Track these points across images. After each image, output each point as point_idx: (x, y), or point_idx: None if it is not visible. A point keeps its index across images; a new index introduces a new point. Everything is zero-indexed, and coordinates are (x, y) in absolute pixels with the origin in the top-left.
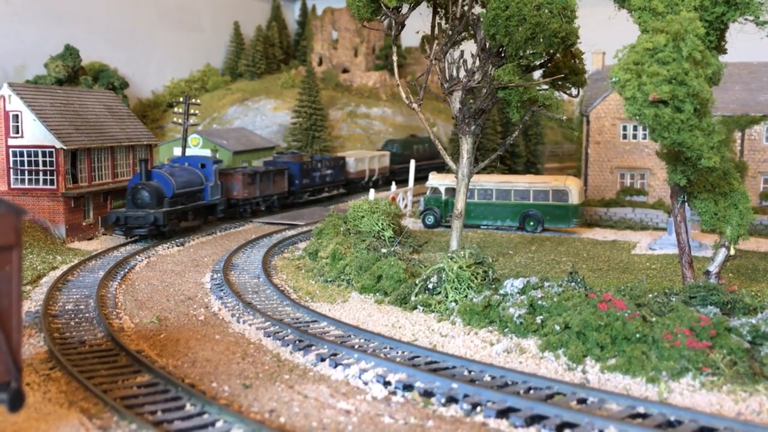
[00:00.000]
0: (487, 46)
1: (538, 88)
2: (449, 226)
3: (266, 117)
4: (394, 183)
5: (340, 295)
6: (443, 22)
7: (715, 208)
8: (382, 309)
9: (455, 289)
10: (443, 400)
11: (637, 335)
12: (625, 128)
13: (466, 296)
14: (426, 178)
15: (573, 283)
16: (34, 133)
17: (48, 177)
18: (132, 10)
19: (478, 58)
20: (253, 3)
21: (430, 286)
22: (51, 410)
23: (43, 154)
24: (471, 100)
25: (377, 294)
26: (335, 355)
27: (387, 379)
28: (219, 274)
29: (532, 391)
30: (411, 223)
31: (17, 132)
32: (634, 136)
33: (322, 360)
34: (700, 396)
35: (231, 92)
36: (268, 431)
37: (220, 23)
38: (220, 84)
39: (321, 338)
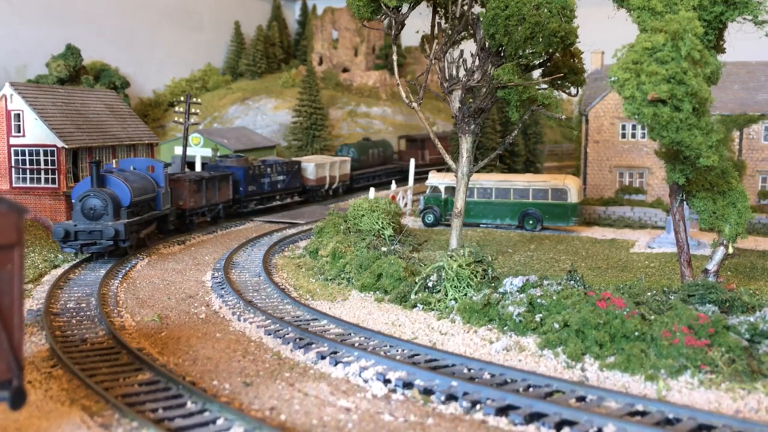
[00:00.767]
0: (487, 46)
1: (537, 87)
2: (449, 225)
3: (267, 116)
4: (394, 182)
5: (341, 293)
6: (443, 21)
7: (713, 207)
8: (382, 307)
9: (455, 287)
10: (443, 398)
11: (636, 333)
12: (624, 127)
13: (465, 294)
14: (381, 186)
15: (572, 282)
16: (36, 132)
17: (49, 176)
18: (133, 9)
19: (477, 57)
20: (254, 3)
21: (430, 284)
22: (52, 408)
23: (45, 153)
24: (470, 100)
25: (377, 292)
26: (335, 353)
27: (387, 377)
28: (220, 273)
29: (531, 389)
30: (411, 222)
31: (19, 131)
32: (633, 135)
33: (323, 358)
34: (698, 394)
35: (232, 91)
36: (268, 429)
37: (220, 23)
38: (220, 83)
39: (321, 336)
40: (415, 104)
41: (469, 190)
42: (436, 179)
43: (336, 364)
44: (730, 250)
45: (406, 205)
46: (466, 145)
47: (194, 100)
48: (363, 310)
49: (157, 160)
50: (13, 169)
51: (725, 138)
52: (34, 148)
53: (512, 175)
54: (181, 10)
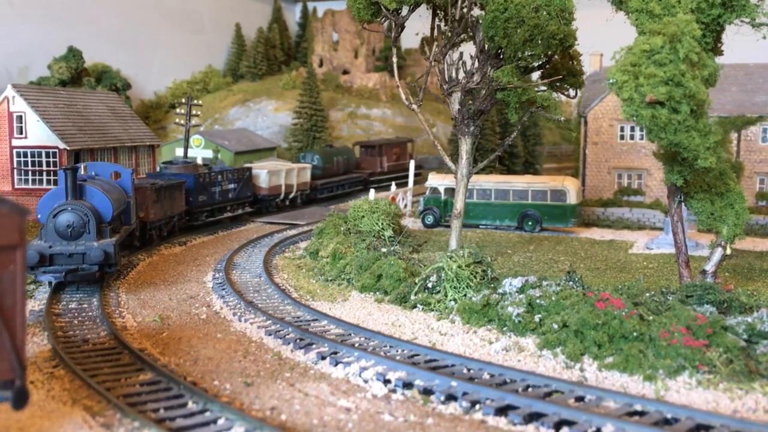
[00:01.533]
0: (486, 48)
1: (536, 89)
2: (448, 226)
3: (267, 118)
4: (394, 184)
5: (341, 294)
6: (442, 24)
7: (711, 208)
8: (382, 308)
9: (454, 288)
10: (442, 398)
11: (635, 334)
12: (622, 129)
13: (465, 295)
14: (341, 198)
15: (571, 282)
16: (38, 133)
17: (51, 177)
18: (134, 12)
19: (476, 59)
20: (255, 5)
21: (430, 285)
22: (54, 408)
23: (47, 155)
24: (470, 102)
25: (377, 293)
26: (336, 353)
27: (387, 377)
28: (221, 274)
29: (530, 389)
30: (410, 223)
31: (21, 133)
32: (632, 137)
33: (323, 358)
34: (696, 394)
35: (232, 93)
36: (269, 429)
37: (221, 25)
38: (221, 85)
39: (322, 337)
40: (415, 106)
41: (468, 191)
42: (436, 180)
43: (336, 365)
44: (728, 251)
45: (405, 206)
46: (465, 146)
47: (195, 101)
48: (363, 311)
49: (122, 166)
50: (15, 171)
51: (723, 140)
52: (36, 150)
53: (511, 177)
54: (182, 12)
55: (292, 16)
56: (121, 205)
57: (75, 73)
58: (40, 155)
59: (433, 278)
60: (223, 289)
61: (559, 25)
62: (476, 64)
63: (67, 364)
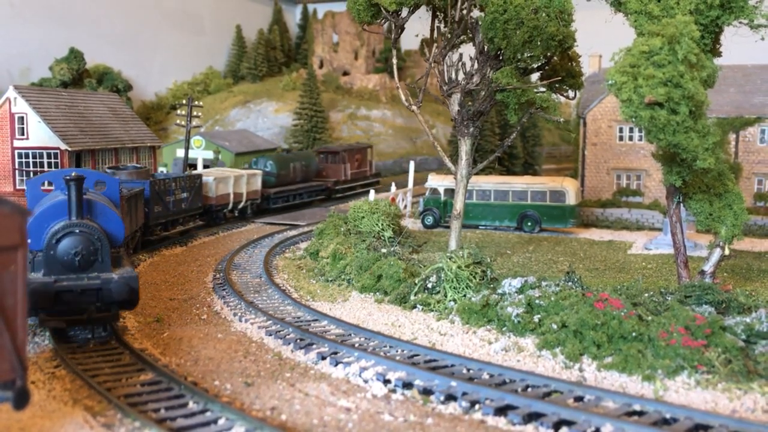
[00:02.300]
0: (486, 49)
1: (535, 90)
2: (448, 227)
3: (268, 119)
4: (393, 184)
5: (341, 294)
6: (442, 25)
7: (710, 209)
8: (382, 308)
9: (454, 288)
10: (442, 398)
11: (633, 334)
12: (621, 130)
13: (464, 295)
14: (299, 209)
15: (570, 283)
16: (39, 134)
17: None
18: (136, 13)
19: (476, 61)
20: (255, 6)
21: (430, 285)
22: (55, 408)
23: (48, 156)
24: (469, 103)
25: (377, 293)
26: (336, 353)
27: (387, 377)
28: (221, 274)
29: (529, 389)
30: (410, 224)
31: (22, 134)
32: (630, 138)
33: (323, 358)
34: (695, 394)
35: (233, 94)
36: (269, 429)
37: (222, 27)
38: (222, 86)
39: (322, 337)
40: (414, 107)
41: (468, 192)
42: (436, 181)
43: (336, 365)
44: (727, 252)
45: (405, 206)
46: (465, 147)
47: (196, 103)
48: (363, 311)
49: (107, 174)
50: (16, 171)
51: (721, 141)
52: (37, 151)
53: (511, 177)
54: (182, 13)
55: (293, 17)
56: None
57: (76, 75)
58: (41, 156)
59: (433, 279)
60: (224, 290)
61: (558, 26)
62: (476, 66)
63: (68, 364)
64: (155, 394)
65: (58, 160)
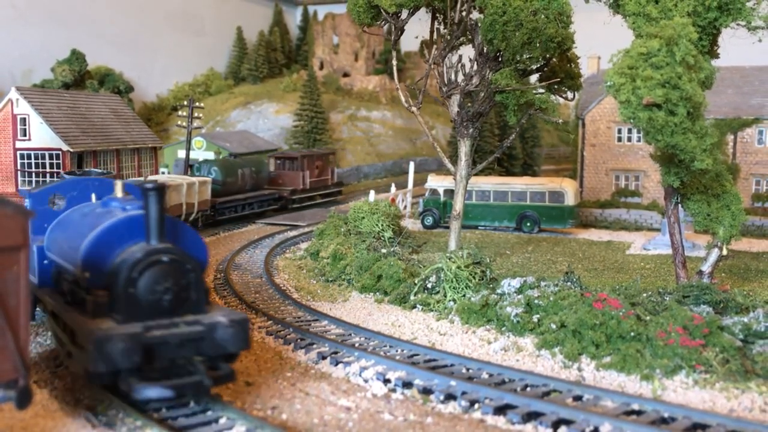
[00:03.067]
0: (485, 51)
1: (534, 91)
2: (448, 227)
3: (269, 120)
4: (393, 185)
5: (341, 294)
6: (442, 27)
7: (708, 209)
8: (382, 308)
9: (453, 288)
10: (442, 397)
11: (632, 334)
12: (619, 131)
13: (464, 295)
14: (250, 220)
15: (569, 283)
16: (42, 135)
17: (55, 179)
18: (137, 15)
19: (475, 62)
20: (256, 8)
21: (429, 285)
22: (57, 407)
23: (50, 157)
24: (469, 104)
25: (377, 293)
26: (336, 353)
27: (387, 377)
28: (222, 274)
29: (528, 389)
30: (410, 224)
31: (25, 135)
32: (629, 139)
33: (323, 358)
34: (693, 393)
35: (234, 96)
36: (270, 428)
37: (223, 28)
38: (223, 88)
39: (322, 337)
40: (414, 108)
41: (467, 192)
42: (435, 182)
43: (336, 364)
44: (724, 252)
45: (405, 207)
46: (464, 148)
47: (197, 104)
48: (363, 311)
49: (132, 181)
50: (19, 173)
51: (719, 142)
52: (39, 152)
53: (510, 178)
54: (184, 15)
55: (293, 19)
56: None
57: (78, 76)
58: (43, 157)
59: (433, 279)
60: (225, 290)
61: (557, 28)
62: (475, 67)
63: (66, 367)
64: None
65: (60, 161)
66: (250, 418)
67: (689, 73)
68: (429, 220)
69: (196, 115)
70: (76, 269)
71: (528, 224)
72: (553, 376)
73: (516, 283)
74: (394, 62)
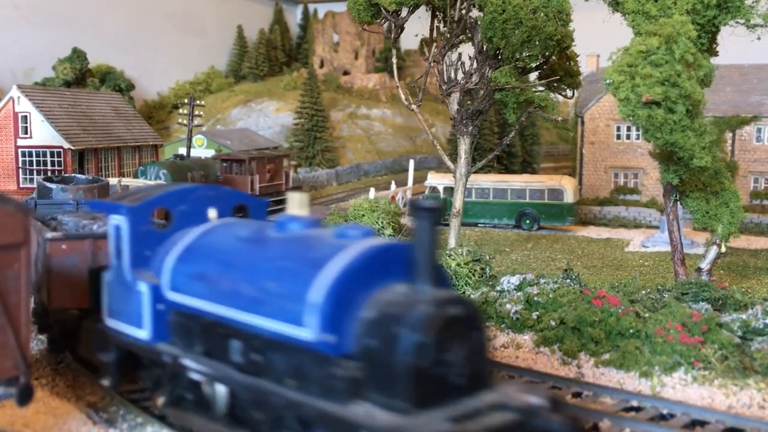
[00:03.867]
0: (485, 49)
1: (534, 89)
2: (447, 225)
3: (269, 118)
4: (393, 183)
5: None
6: (441, 25)
7: (706, 207)
8: None
9: (453, 285)
10: None
11: (631, 331)
12: (619, 129)
13: (463, 293)
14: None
15: (568, 280)
16: (43, 133)
17: (55, 177)
18: (138, 14)
19: (475, 60)
20: (256, 7)
21: None
22: (59, 404)
23: (51, 154)
24: (469, 102)
25: None
26: None
27: None
28: None
29: None
30: (410, 222)
31: (26, 133)
32: (628, 137)
33: None
34: (692, 390)
35: (234, 94)
36: None
37: (223, 27)
38: (223, 86)
39: None
40: (414, 106)
41: (467, 190)
42: (435, 180)
43: None
44: (723, 249)
45: (405, 205)
46: (464, 146)
47: (198, 102)
48: None
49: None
50: (20, 170)
51: (718, 139)
52: (40, 150)
53: (509, 176)
54: (184, 14)
55: (293, 17)
56: None
57: (79, 74)
58: (44, 155)
59: None
60: None
61: (556, 26)
62: (475, 65)
63: (71, 361)
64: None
65: (62, 159)
66: None
67: (688, 70)
68: None
69: (196, 113)
70: (291, 328)
71: (527, 222)
72: (553, 372)
73: (515, 280)
74: (394, 60)
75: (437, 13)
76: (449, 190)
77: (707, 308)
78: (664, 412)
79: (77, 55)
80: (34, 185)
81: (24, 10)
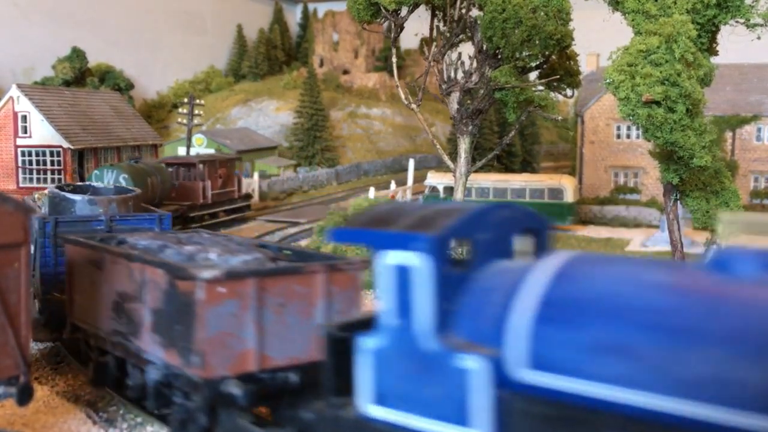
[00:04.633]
0: (484, 48)
1: (533, 89)
2: None
3: (269, 117)
4: (393, 183)
5: None
6: (441, 24)
7: (706, 206)
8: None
9: None
10: None
11: None
12: (619, 128)
13: None
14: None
15: None
16: (42, 133)
17: (56, 176)
18: (138, 13)
19: (475, 60)
20: (256, 6)
21: None
22: (58, 404)
23: (51, 154)
24: (468, 101)
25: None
26: None
27: None
28: None
29: None
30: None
31: (26, 132)
32: (628, 136)
33: None
34: None
35: (234, 93)
36: None
37: (223, 26)
38: (223, 85)
39: None
40: (414, 106)
41: (467, 189)
42: (435, 179)
43: None
44: None
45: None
46: (464, 145)
47: (197, 101)
48: (363, 308)
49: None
50: (20, 170)
51: (718, 139)
52: (40, 149)
53: (509, 175)
54: (184, 13)
55: (293, 17)
56: None
57: (79, 74)
58: (44, 154)
59: None
60: None
61: (556, 25)
62: (474, 64)
63: (71, 360)
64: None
65: (61, 158)
66: None
67: (688, 70)
68: None
69: (196, 112)
70: None
71: None
72: None
73: None
74: (394, 60)
75: (437, 12)
76: (449, 190)
77: None
78: None
79: (77, 54)
80: (34, 185)
81: (24, 9)
